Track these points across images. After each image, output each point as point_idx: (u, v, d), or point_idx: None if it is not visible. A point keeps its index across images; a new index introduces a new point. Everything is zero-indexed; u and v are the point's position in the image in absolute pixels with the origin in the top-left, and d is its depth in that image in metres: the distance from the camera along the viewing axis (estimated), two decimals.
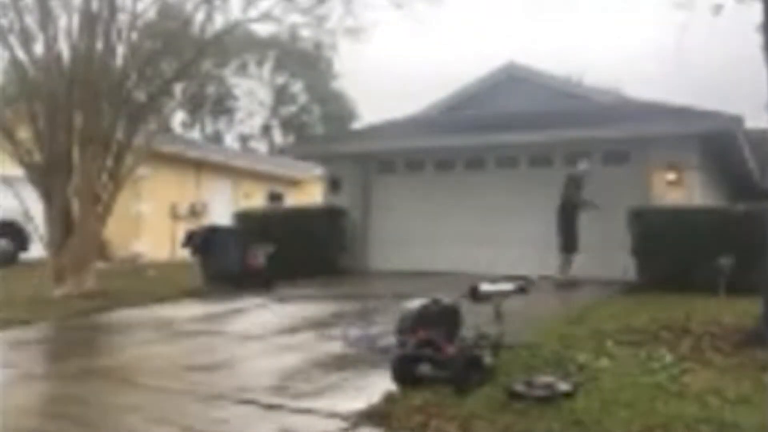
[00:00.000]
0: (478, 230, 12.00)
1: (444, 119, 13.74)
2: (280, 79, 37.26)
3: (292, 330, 7.47)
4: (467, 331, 5.27)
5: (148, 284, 11.15)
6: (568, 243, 10.23)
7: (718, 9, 6.91)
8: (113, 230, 12.82)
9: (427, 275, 11.29)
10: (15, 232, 15.19)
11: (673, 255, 9.33)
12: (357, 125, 32.19)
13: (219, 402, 4.71)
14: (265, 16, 11.39)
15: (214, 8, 11.10)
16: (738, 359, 5.34)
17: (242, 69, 34.25)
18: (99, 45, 10.26)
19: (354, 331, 6.68)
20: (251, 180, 20.97)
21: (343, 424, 4.14)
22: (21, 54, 10.33)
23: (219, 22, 11.52)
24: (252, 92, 36.88)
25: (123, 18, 10.51)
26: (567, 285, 9.81)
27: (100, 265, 10.93)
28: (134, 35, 10.77)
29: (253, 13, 11.33)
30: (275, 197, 21.82)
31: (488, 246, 11.74)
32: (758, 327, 5.87)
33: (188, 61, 11.30)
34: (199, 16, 11.14)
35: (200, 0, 11.00)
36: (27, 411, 4.84)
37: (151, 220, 16.70)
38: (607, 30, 43.44)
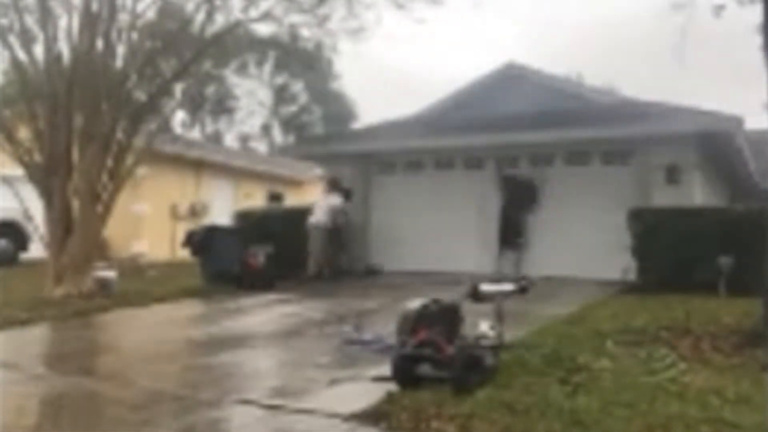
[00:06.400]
0: (478, 230, 12.00)
1: (444, 119, 13.73)
2: (280, 79, 37.26)
3: (292, 330, 7.48)
4: (468, 331, 5.27)
5: (149, 284, 11.14)
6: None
7: (719, 10, 6.89)
8: (113, 230, 12.81)
9: (427, 275, 11.31)
10: (15, 232, 15.20)
11: (673, 255, 9.33)
12: (357, 125, 32.22)
13: (219, 402, 4.71)
14: (266, 16, 11.36)
15: (214, 8, 11.07)
16: (738, 359, 5.35)
17: (242, 69, 34.21)
18: (99, 45, 10.25)
19: (354, 332, 6.69)
20: (251, 180, 20.97)
21: (344, 425, 4.14)
22: (21, 54, 10.33)
23: (219, 21, 11.51)
24: (252, 92, 36.89)
25: (123, 18, 10.50)
26: None
27: (100, 264, 10.91)
28: (134, 35, 10.75)
29: (253, 12, 11.31)
30: (275, 197, 21.82)
31: (489, 246, 11.75)
32: (758, 327, 5.87)
33: (188, 61, 11.27)
34: (200, 16, 11.13)
35: (201, 0, 11.00)
36: (27, 411, 4.84)
37: (151, 220, 16.70)
38: (607, 29, 43.43)
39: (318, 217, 11.88)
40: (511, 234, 11.58)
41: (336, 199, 12.18)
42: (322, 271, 11.58)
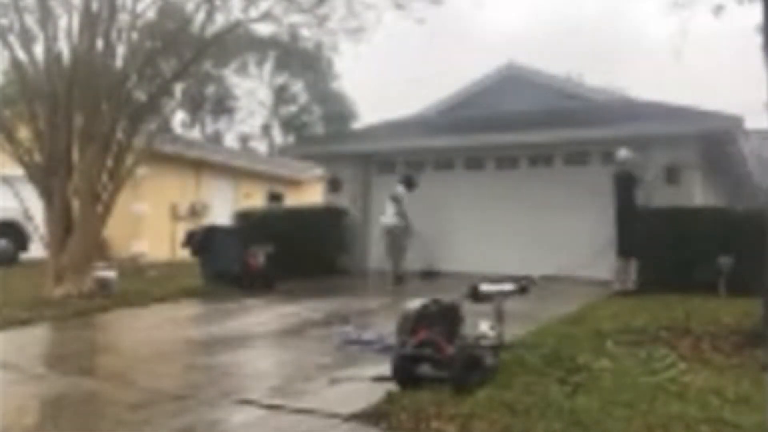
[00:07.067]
0: (478, 230, 12.00)
1: (444, 119, 13.75)
2: (280, 79, 37.27)
3: (292, 330, 7.48)
4: (468, 331, 5.27)
5: (149, 284, 11.14)
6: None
7: (719, 10, 6.91)
8: (113, 230, 12.82)
9: (426, 275, 11.31)
10: (15, 232, 15.21)
11: (673, 255, 9.33)
12: (357, 125, 32.21)
13: (219, 402, 4.71)
14: (266, 16, 11.36)
15: (214, 8, 11.07)
16: (738, 359, 5.36)
17: (242, 69, 34.26)
18: (99, 45, 10.25)
19: (353, 332, 6.69)
20: (251, 180, 20.98)
21: (344, 425, 4.14)
22: (21, 54, 10.33)
23: (219, 21, 11.51)
24: (252, 92, 36.92)
25: (123, 18, 10.50)
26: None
27: (100, 264, 10.90)
28: (134, 35, 10.76)
29: (253, 12, 11.31)
30: (275, 197, 21.83)
31: (489, 246, 11.75)
32: (758, 327, 5.88)
33: (188, 61, 11.27)
34: (200, 16, 11.13)
35: (201, 0, 11.00)
36: (27, 411, 4.84)
37: (151, 220, 16.71)
38: (607, 29, 43.48)
39: (385, 218, 11.20)
40: None
41: (399, 189, 11.19)
42: (394, 275, 10.90)
